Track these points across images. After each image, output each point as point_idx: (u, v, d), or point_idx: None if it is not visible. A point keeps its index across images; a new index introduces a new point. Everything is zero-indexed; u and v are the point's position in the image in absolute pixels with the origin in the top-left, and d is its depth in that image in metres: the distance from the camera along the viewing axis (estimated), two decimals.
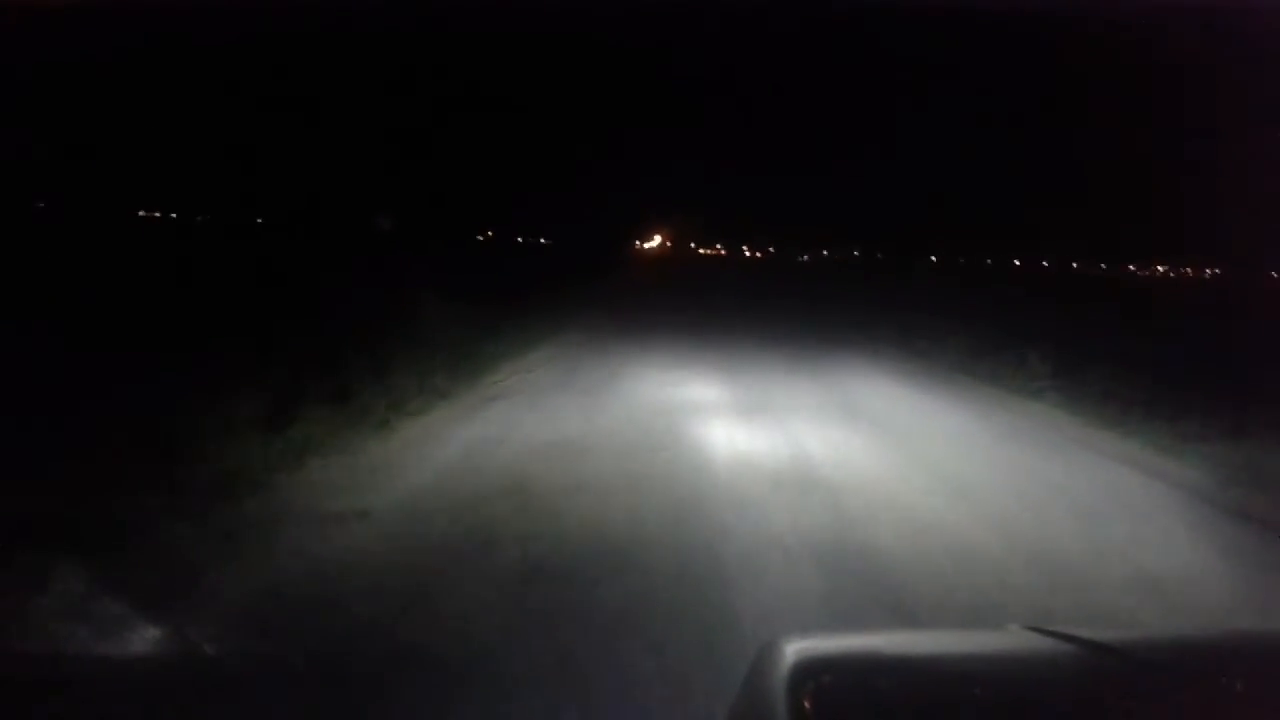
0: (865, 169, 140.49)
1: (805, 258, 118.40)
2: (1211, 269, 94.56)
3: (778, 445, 8.69)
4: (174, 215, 75.78)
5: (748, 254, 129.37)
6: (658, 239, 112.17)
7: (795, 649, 1.65)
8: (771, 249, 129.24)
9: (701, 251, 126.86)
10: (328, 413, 8.34)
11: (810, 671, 1.56)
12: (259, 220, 79.30)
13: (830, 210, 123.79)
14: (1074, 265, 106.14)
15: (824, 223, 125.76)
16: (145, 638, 3.96)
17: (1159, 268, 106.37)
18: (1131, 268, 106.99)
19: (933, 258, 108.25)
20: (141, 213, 74.94)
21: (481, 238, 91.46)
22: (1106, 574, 5.61)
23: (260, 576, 4.92)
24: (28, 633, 3.95)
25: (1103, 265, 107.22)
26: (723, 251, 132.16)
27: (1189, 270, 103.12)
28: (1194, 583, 5.47)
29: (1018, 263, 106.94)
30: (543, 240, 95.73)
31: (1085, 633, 1.75)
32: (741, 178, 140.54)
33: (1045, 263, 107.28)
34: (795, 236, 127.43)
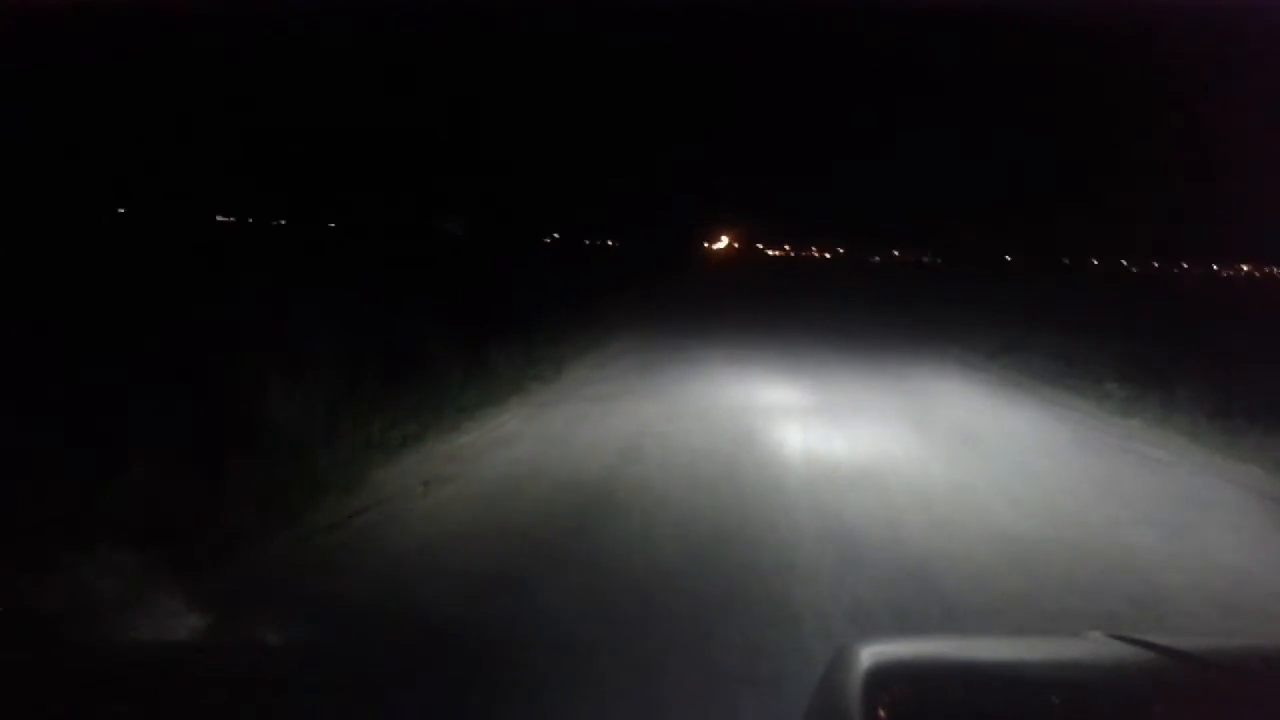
0: (940, 170, 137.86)
1: (877, 259, 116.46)
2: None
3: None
4: (250, 220, 77.53)
5: (816, 255, 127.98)
6: (725, 240, 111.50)
7: (871, 653, 1.63)
8: (840, 250, 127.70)
9: (770, 253, 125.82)
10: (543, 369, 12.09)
11: (886, 677, 1.55)
12: (331, 225, 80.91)
13: (902, 211, 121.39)
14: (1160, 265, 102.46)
15: (895, 224, 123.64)
16: None
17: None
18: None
19: (1007, 257, 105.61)
20: (220, 217, 76.80)
21: (548, 240, 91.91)
22: None
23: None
24: None
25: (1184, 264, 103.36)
26: (791, 253, 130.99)
27: None
28: None
29: (1096, 261, 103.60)
30: (610, 243, 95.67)
31: (1166, 640, 1.72)
32: (811, 179, 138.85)
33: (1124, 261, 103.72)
34: (865, 238, 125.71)
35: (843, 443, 8.33)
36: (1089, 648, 1.89)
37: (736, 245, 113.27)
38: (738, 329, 19.50)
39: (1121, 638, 1.80)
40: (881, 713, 1.43)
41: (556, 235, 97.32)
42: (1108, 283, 66.14)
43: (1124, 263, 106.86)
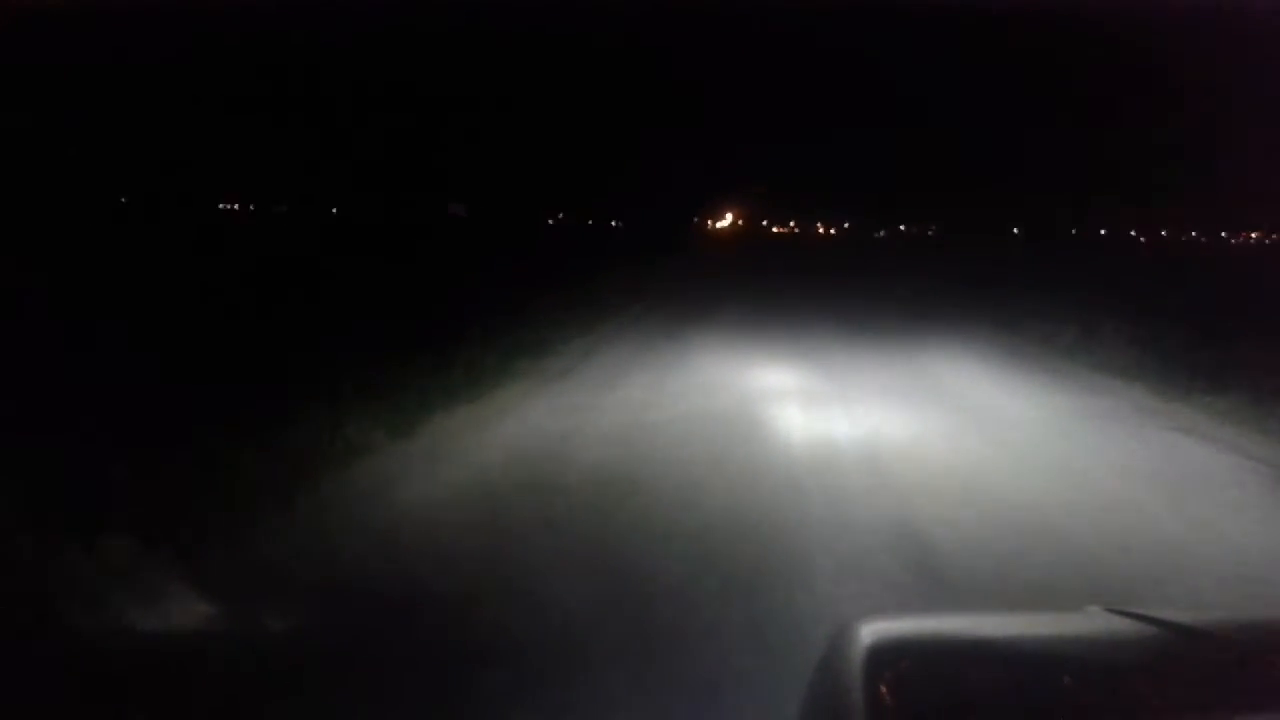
0: (943, 142, 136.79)
1: (882, 234, 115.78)
2: None
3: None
4: (251, 206, 77.49)
5: (821, 231, 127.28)
6: (729, 217, 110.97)
7: (872, 630, 1.62)
8: (846, 225, 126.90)
9: (775, 230, 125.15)
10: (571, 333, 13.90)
11: (887, 654, 1.54)
12: (334, 210, 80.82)
13: (907, 185, 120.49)
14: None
15: (902, 198, 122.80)
16: None
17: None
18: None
19: (1015, 230, 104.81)
20: (221, 205, 76.80)
21: (552, 221, 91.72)
22: None
23: None
24: None
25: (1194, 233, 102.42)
26: (796, 229, 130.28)
27: None
28: None
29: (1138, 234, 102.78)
30: (614, 223, 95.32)
31: (1166, 614, 1.71)
32: (813, 154, 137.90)
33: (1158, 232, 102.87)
34: (871, 212, 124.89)
35: None
36: (1090, 622, 1.87)
37: (740, 223, 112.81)
38: (736, 322, 16.72)
39: (1121, 612, 1.79)
40: (883, 689, 1.43)
41: (561, 216, 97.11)
42: (1118, 251, 65.66)
43: (1133, 233, 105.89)
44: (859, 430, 8.17)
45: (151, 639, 3.78)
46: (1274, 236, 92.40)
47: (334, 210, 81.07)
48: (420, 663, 3.69)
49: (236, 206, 78.84)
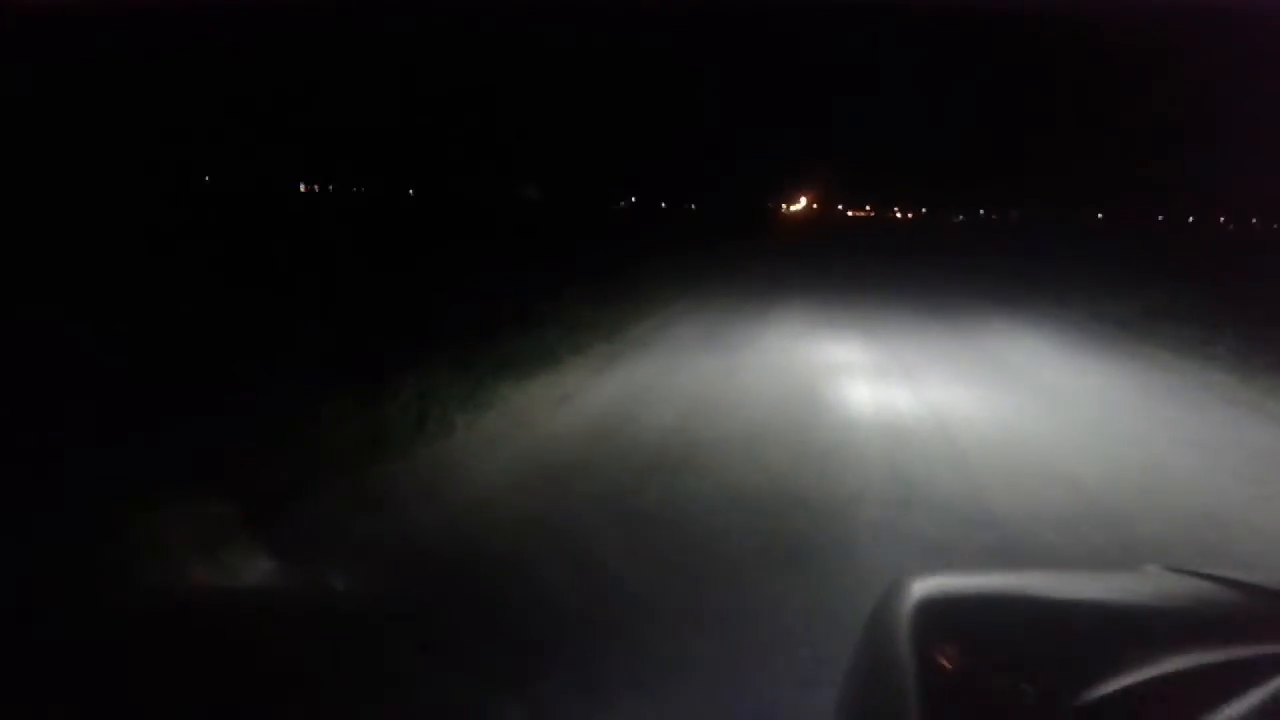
0: (1025, 122, 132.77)
1: (961, 218, 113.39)
2: None
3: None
4: (330, 188, 79.34)
5: (898, 215, 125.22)
6: (803, 201, 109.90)
7: (922, 586, 1.63)
8: (924, 209, 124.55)
9: (849, 214, 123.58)
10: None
11: (938, 609, 1.55)
12: (410, 192, 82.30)
13: (986, 167, 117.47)
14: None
15: (981, 181, 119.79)
16: None
17: None
18: None
19: (1099, 215, 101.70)
20: (302, 186, 78.77)
21: (623, 204, 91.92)
22: None
23: None
24: None
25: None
26: (871, 213, 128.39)
27: None
28: None
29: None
30: (693, 206, 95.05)
31: (1222, 572, 1.69)
32: (888, 136, 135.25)
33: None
34: (950, 195, 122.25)
35: None
36: (1145, 581, 1.85)
37: (815, 206, 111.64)
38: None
39: (1180, 570, 1.76)
40: (932, 645, 1.42)
41: (633, 199, 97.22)
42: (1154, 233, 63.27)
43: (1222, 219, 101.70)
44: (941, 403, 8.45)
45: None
46: None
47: (410, 192, 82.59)
48: None
49: (316, 188, 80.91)
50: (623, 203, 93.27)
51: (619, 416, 7.70)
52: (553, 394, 8.57)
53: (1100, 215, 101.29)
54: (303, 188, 79.41)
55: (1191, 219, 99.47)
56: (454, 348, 9.10)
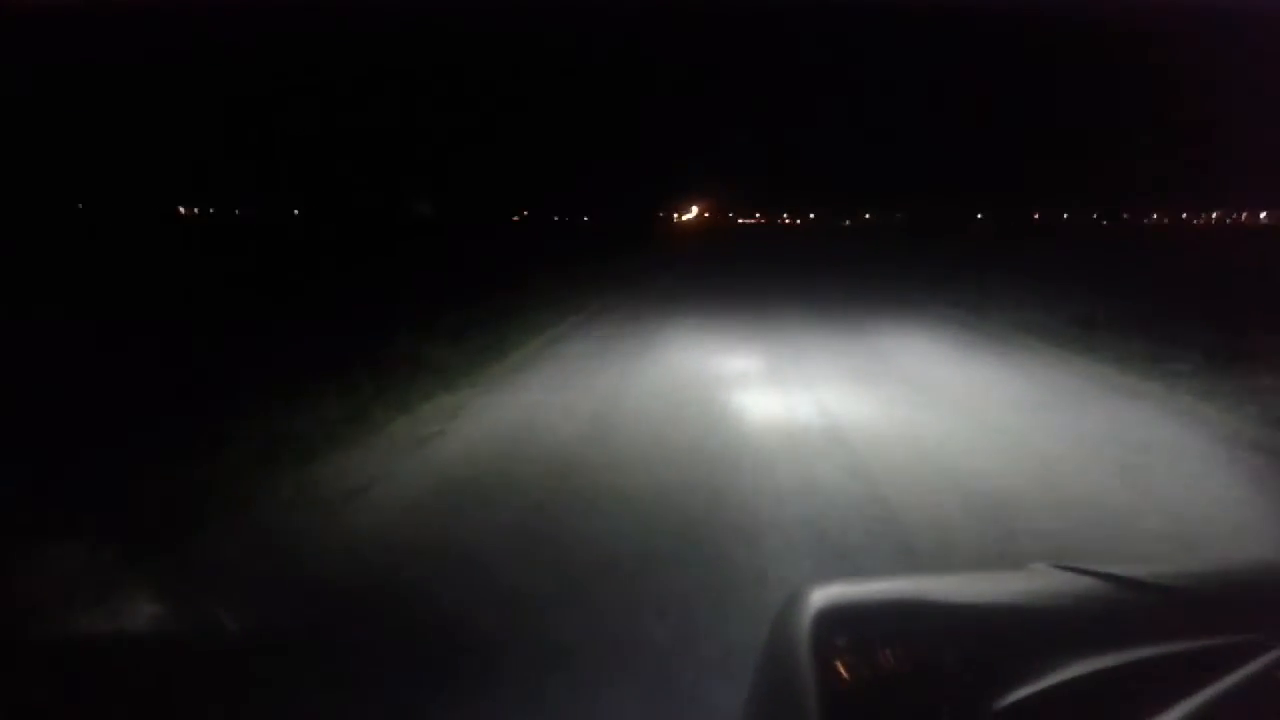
0: (907, 127, 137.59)
1: (848, 222, 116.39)
2: None
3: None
4: (211, 210, 76.56)
5: (786, 221, 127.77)
6: (695, 210, 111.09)
7: (822, 595, 1.63)
8: (812, 215, 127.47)
9: (740, 221, 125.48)
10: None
11: (837, 618, 1.56)
12: (295, 212, 80.00)
13: (872, 173, 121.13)
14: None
15: (866, 186, 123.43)
16: None
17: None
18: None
19: (978, 215, 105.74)
20: (181, 209, 75.89)
21: (516, 218, 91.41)
22: None
23: None
24: None
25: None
26: (762, 220, 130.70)
27: None
28: None
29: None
30: (585, 218, 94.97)
31: (1112, 568, 1.71)
32: (778, 146, 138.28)
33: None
34: (836, 202, 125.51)
35: None
36: (1035, 579, 1.87)
37: (706, 215, 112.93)
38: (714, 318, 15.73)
39: (1066, 567, 1.79)
40: (833, 654, 1.43)
41: (526, 213, 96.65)
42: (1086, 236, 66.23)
43: (1094, 215, 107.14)
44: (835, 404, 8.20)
45: None
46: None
47: (296, 212, 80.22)
48: None
49: (213, 210, 78.14)
50: (515, 217, 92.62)
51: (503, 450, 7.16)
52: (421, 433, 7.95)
53: (980, 217, 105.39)
54: (182, 210, 76.63)
55: (1066, 216, 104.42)
56: (308, 382, 8.18)
